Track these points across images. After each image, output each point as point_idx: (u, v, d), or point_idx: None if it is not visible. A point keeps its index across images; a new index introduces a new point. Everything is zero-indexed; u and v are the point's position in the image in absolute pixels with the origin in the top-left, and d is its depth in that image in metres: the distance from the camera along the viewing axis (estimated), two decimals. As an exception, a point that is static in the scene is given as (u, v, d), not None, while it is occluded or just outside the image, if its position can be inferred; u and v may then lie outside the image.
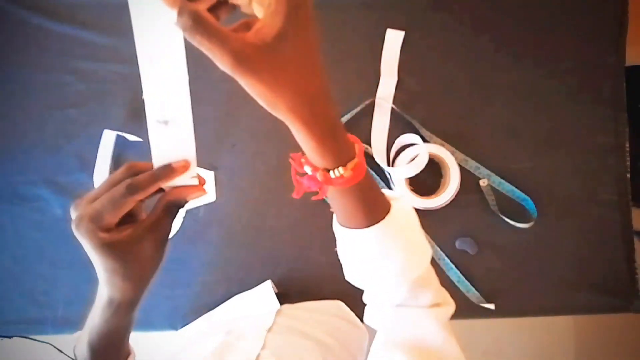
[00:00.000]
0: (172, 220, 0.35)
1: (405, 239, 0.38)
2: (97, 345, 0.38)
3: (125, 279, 0.34)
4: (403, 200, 0.39)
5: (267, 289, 0.71)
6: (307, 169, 0.34)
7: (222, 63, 0.26)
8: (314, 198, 0.36)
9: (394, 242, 0.37)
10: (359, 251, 0.38)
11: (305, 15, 0.27)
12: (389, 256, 0.37)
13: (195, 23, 0.26)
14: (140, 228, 0.34)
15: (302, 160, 0.34)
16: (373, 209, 0.36)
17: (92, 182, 0.78)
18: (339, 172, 0.33)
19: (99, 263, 0.34)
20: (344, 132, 0.33)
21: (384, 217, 0.36)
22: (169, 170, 0.34)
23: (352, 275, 0.41)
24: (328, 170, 0.33)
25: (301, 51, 0.28)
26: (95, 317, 0.37)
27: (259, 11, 0.31)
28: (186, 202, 0.35)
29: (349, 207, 0.36)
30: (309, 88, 0.29)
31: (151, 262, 0.35)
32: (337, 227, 0.39)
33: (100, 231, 0.32)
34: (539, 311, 0.78)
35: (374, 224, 0.36)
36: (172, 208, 0.35)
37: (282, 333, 0.57)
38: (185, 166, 0.34)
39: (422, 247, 0.40)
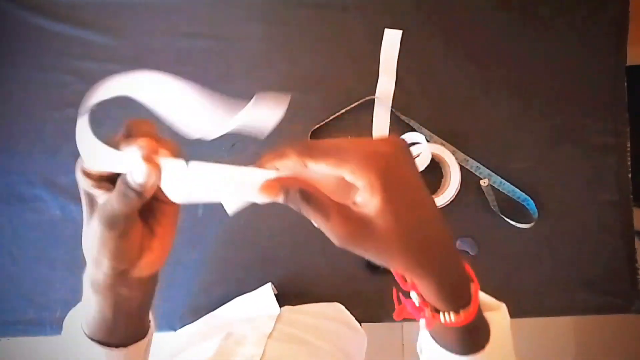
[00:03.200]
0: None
1: None
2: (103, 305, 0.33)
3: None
4: (501, 317, 0.37)
5: (267, 292, 0.71)
6: (414, 297, 0.33)
7: (330, 238, 0.27)
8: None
9: None
10: None
11: (400, 179, 0.27)
12: None
13: (304, 200, 0.27)
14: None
15: (408, 281, 0.33)
16: (474, 339, 0.34)
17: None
18: (449, 316, 0.31)
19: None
20: (463, 276, 0.32)
21: (483, 347, 0.34)
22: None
23: None
24: (437, 311, 0.31)
25: (404, 211, 0.27)
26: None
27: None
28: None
29: (448, 337, 0.34)
30: (420, 240, 0.28)
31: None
32: (426, 336, 0.37)
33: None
34: (540, 312, 0.78)
35: (470, 353, 0.34)
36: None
37: (282, 340, 0.57)
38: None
39: None
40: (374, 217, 0.27)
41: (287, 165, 0.29)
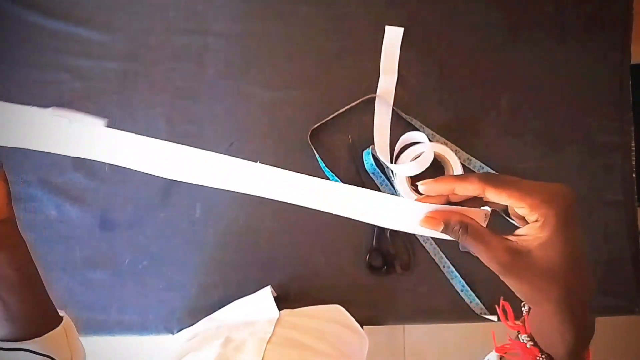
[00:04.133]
0: None
1: None
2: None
3: None
4: None
5: (266, 295, 0.70)
6: (524, 339, 0.35)
7: (489, 266, 0.31)
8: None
9: None
10: None
11: (572, 221, 0.30)
12: None
13: (464, 231, 0.31)
14: None
15: (520, 322, 0.35)
16: None
17: (87, 181, 0.77)
18: None
19: None
20: (588, 339, 0.34)
21: None
22: None
23: None
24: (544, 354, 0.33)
25: (568, 249, 0.30)
26: None
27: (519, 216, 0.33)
28: None
29: None
30: (573, 282, 0.31)
31: None
32: None
33: None
34: (544, 314, 0.77)
35: None
36: None
37: (282, 345, 0.56)
38: None
39: None
40: (535, 249, 0.30)
41: (467, 189, 0.32)
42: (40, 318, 0.41)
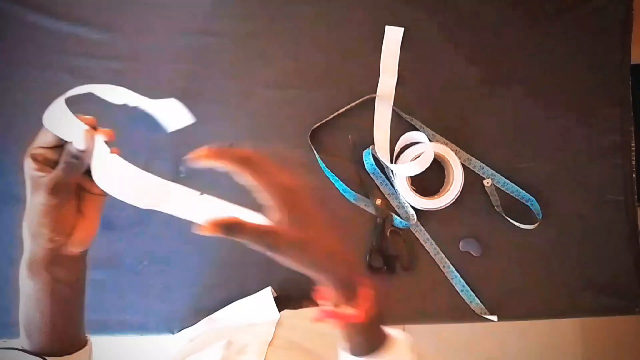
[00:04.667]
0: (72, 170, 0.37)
1: None
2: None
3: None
4: (403, 337, 0.43)
5: (267, 296, 0.70)
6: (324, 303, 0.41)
7: (263, 250, 0.36)
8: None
9: None
10: None
11: (298, 206, 0.35)
12: None
13: (240, 230, 0.34)
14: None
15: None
16: (370, 342, 0.42)
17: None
18: (350, 311, 0.39)
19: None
20: (352, 278, 0.40)
21: (377, 353, 0.41)
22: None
23: None
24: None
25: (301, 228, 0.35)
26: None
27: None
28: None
29: (348, 337, 0.43)
30: (309, 241, 0.36)
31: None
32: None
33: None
34: (544, 314, 0.77)
35: (365, 355, 0.42)
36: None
37: (283, 347, 0.56)
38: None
39: None
40: (281, 230, 0.35)
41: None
42: (75, 337, 0.43)
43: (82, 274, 0.42)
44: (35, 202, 0.37)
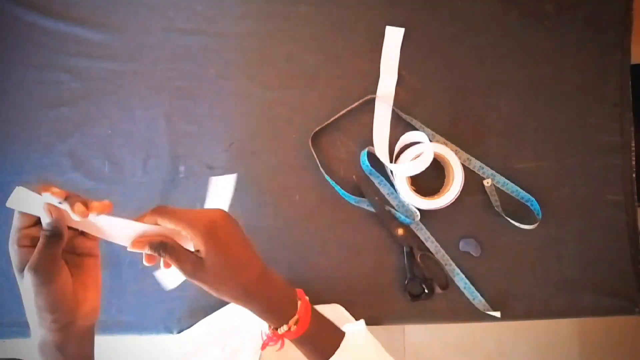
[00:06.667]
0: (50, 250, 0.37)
1: None
2: None
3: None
4: (357, 333, 0.47)
5: None
6: (265, 328, 0.45)
7: (182, 274, 0.39)
8: (277, 350, 0.45)
9: None
10: None
11: (217, 236, 0.39)
12: None
13: (163, 249, 0.38)
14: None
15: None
16: (326, 348, 0.45)
17: (86, 181, 0.77)
18: (283, 329, 0.43)
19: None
20: (283, 297, 0.44)
21: (333, 353, 0.45)
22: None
23: None
24: (276, 328, 0.43)
25: (220, 256, 0.39)
26: None
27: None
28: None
29: (304, 351, 0.46)
30: (241, 281, 0.41)
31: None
32: None
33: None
34: (543, 314, 0.77)
35: None
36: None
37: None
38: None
39: None
40: (205, 258, 0.38)
41: (149, 221, 0.40)
42: None
43: (92, 345, 0.42)
44: (25, 283, 0.36)
